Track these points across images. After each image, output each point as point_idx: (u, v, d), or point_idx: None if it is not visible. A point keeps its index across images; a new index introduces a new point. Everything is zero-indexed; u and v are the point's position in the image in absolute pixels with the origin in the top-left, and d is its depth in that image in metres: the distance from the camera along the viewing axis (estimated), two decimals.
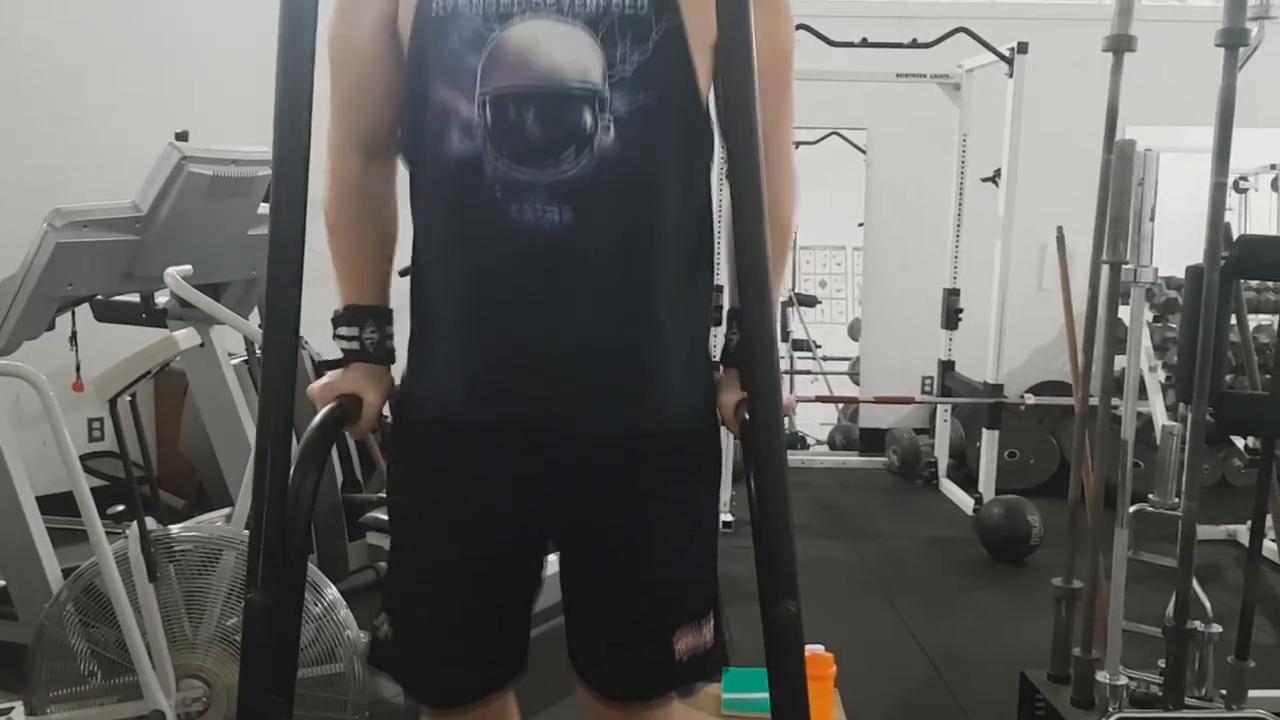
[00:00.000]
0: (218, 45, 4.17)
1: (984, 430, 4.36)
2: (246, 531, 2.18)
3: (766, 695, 1.11)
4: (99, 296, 2.69)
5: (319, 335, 1.51)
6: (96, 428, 4.08)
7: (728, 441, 1.41)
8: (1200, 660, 2.22)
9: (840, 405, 5.39)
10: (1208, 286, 2.12)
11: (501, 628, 1.41)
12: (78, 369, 2.66)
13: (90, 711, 2.12)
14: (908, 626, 3.18)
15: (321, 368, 1.46)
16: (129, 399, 2.16)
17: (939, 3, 5.01)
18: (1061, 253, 3.67)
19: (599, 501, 1.34)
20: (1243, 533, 3.70)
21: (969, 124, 4.60)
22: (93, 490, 2.12)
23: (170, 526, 2.18)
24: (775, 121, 1.29)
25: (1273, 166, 4.71)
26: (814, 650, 2.13)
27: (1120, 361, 2.37)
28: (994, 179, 4.39)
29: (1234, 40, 2.07)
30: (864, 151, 5.22)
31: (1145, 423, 3.83)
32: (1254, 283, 3.78)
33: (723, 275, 1.42)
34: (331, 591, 2.18)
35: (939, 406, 4.88)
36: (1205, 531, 3.07)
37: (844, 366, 5.42)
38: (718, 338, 1.42)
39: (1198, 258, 2.16)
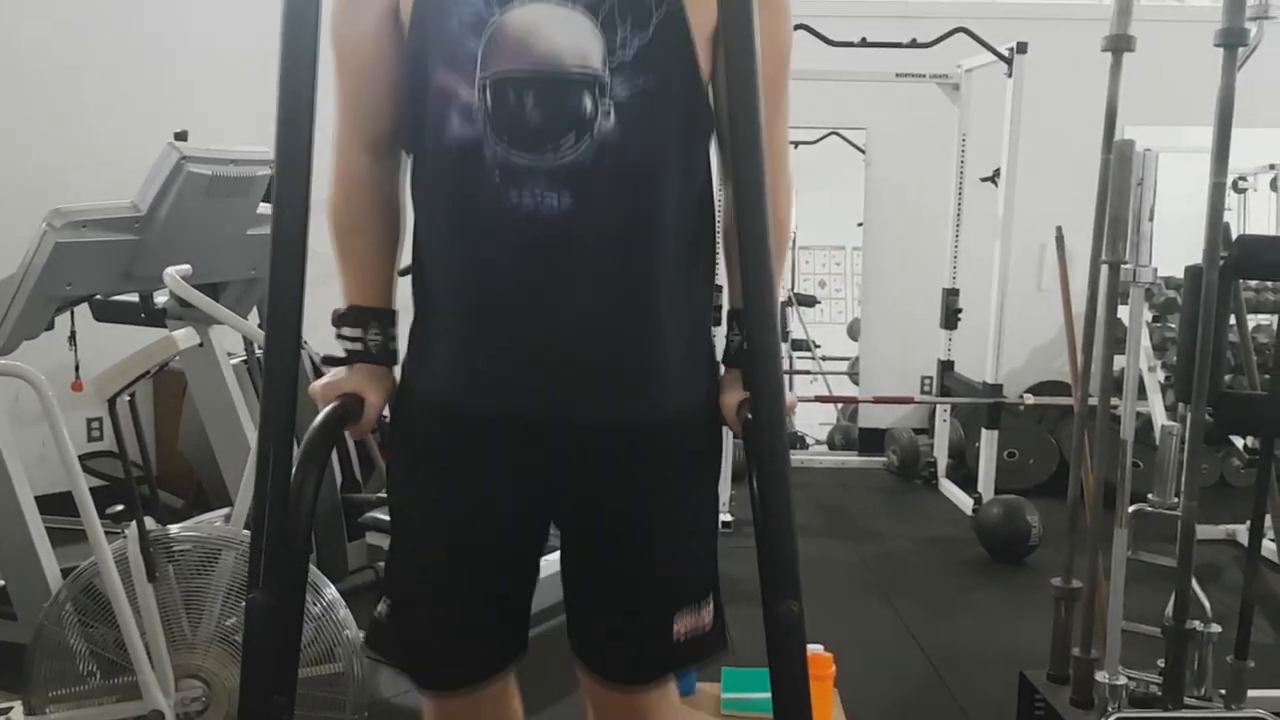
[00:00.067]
0: (218, 45, 4.17)
1: (983, 430, 4.37)
2: (245, 531, 2.18)
3: (766, 695, 1.11)
4: (98, 296, 2.69)
5: (320, 336, 1.51)
6: (95, 427, 4.08)
7: (729, 440, 1.42)
8: (1199, 660, 2.22)
9: (839, 405, 5.39)
10: (1207, 286, 2.12)
11: (502, 620, 1.42)
12: (77, 369, 2.66)
13: (89, 711, 2.12)
14: (907, 626, 3.18)
15: (324, 364, 1.45)
16: (128, 399, 2.16)
17: (938, 3, 5.02)
18: (1061, 253, 3.67)
19: (599, 488, 1.34)
20: (1242, 532, 3.71)
21: (968, 124, 4.60)
22: (92, 490, 2.11)
23: (169, 526, 2.18)
24: (771, 119, 1.29)
25: (1271, 166, 4.71)
26: (813, 650, 2.13)
27: (1119, 361, 2.37)
28: (993, 179, 4.39)
29: (1233, 40, 2.07)
30: (863, 151, 5.22)
31: (1144, 423, 3.83)
32: (1253, 283, 3.78)
33: (721, 275, 1.42)
34: (331, 591, 2.18)
35: (938, 406, 4.88)
36: (1204, 531, 3.08)
37: (843, 366, 5.42)
38: (718, 338, 1.42)
39: (1197, 258, 2.16)
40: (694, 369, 1.36)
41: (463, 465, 1.34)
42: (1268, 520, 2.47)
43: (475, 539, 1.36)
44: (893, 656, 2.98)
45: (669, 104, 1.24)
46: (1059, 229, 3.72)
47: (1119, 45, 2.29)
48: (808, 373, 5.34)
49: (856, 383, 5.37)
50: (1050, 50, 4.33)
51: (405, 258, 1.40)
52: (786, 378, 5.10)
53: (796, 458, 5.07)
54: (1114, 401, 2.35)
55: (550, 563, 1.46)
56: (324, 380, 1.38)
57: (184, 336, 2.15)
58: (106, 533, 2.07)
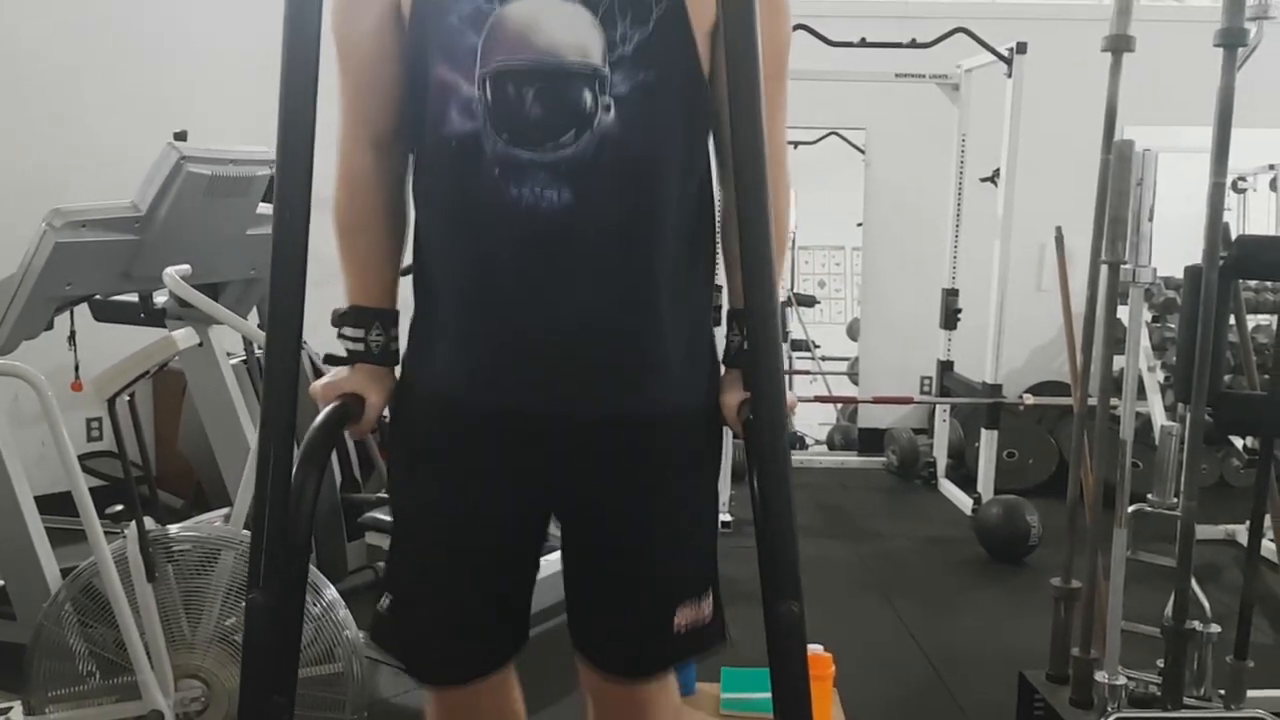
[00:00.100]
0: (218, 45, 4.17)
1: (983, 430, 4.37)
2: (245, 531, 2.18)
3: (765, 695, 1.12)
4: (98, 296, 2.69)
5: (320, 336, 1.51)
6: (95, 427, 4.08)
7: (728, 440, 1.42)
8: (1199, 660, 2.22)
9: (839, 405, 5.39)
10: (1206, 286, 2.13)
11: (502, 620, 1.42)
12: (76, 369, 2.65)
13: (88, 711, 2.11)
14: (906, 626, 3.18)
15: (326, 363, 1.45)
16: (127, 399, 2.15)
17: (938, 3, 5.02)
18: (1060, 253, 3.67)
19: (599, 487, 1.35)
20: (1241, 533, 3.71)
21: (968, 124, 4.60)
22: (91, 490, 2.11)
23: (169, 526, 2.18)
24: (770, 118, 1.29)
25: (1271, 167, 4.71)
26: (813, 650, 2.13)
27: (1119, 361, 2.37)
28: (993, 179, 4.39)
29: (1232, 40, 2.08)
30: (863, 151, 5.22)
31: (1144, 423, 3.83)
32: (1252, 283, 3.78)
33: (721, 275, 1.42)
34: (330, 592, 2.18)
35: (938, 406, 4.88)
36: (1204, 531, 3.07)
37: (843, 366, 5.42)
38: (718, 338, 1.42)
39: (1196, 258, 2.16)
40: (694, 364, 1.36)
41: (463, 465, 1.34)
42: (1267, 520, 2.47)
43: (475, 539, 1.36)
44: (892, 656, 2.98)
45: (669, 99, 1.24)
46: (1058, 229, 3.72)
47: (1119, 45, 2.29)
48: (807, 373, 5.34)
49: (856, 383, 5.37)
50: (1050, 50, 4.33)
51: (407, 257, 1.40)
52: (786, 378, 5.10)
53: (796, 458, 5.05)
54: (1113, 401, 2.35)
55: (550, 563, 1.47)
56: (324, 380, 1.38)
57: (183, 336, 2.15)
58: (106, 533, 2.07)
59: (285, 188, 1.10)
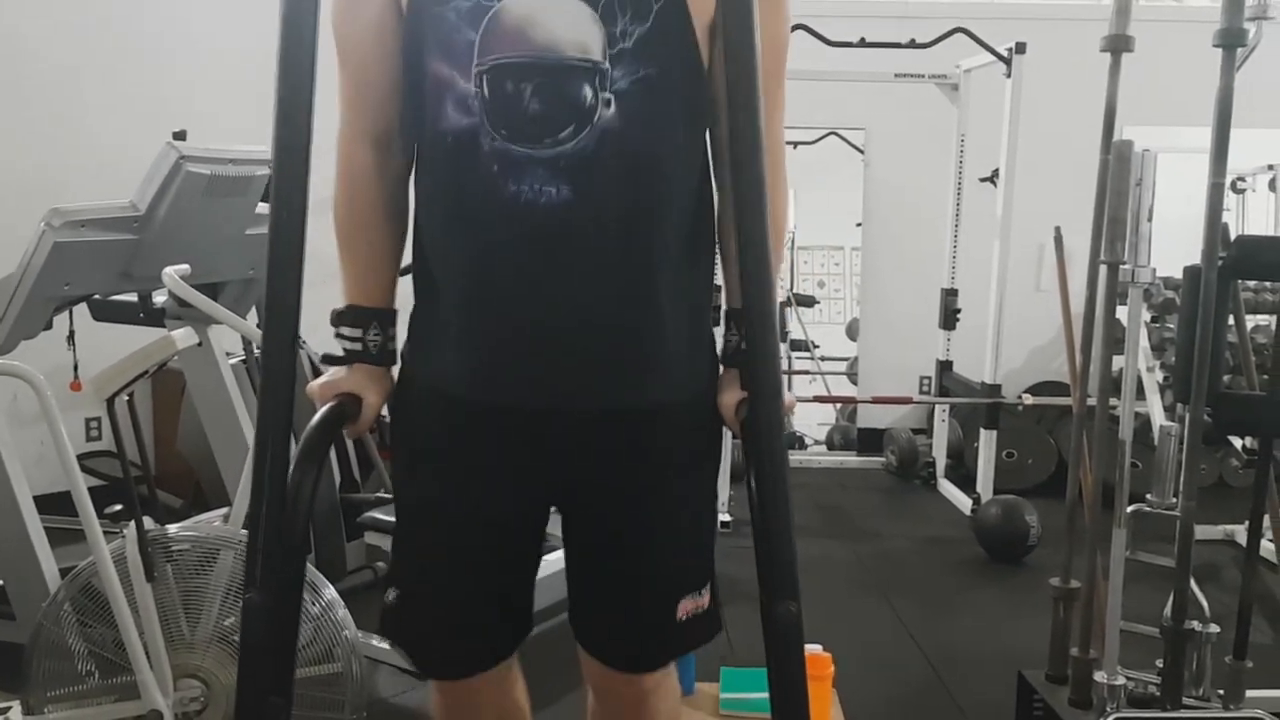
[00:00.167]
0: (218, 45, 4.17)
1: (982, 430, 4.37)
2: (244, 531, 2.18)
3: (764, 695, 1.12)
4: (97, 296, 2.69)
5: (319, 336, 1.51)
6: (94, 427, 4.07)
7: (728, 440, 1.42)
8: (1198, 660, 2.22)
9: (838, 405, 5.39)
10: (1205, 287, 2.12)
11: (503, 619, 1.43)
12: (75, 368, 2.65)
13: (88, 711, 2.11)
14: (905, 626, 3.18)
15: (323, 363, 1.45)
16: (126, 398, 2.15)
17: (937, 3, 5.02)
18: (1059, 253, 3.67)
19: (600, 484, 1.35)
20: (1240, 533, 3.70)
21: (967, 124, 4.60)
22: (90, 490, 2.11)
23: (168, 526, 2.18)
24: (768, 116, 1.30)
25: (1270, 167, 4.71)
26: (812, 650, 2.13)
27: (1118, 362, 2.37)
28: (992, 179, 4.39)
29: (1232, 41, 2.07)
30: (862, 152, 5.22)
31: (1143, 423, 3.84)
32: (1251, 283, 3.78)
33: (719, 275, 1.42)
34: (329, 591, 2.18)
35: (937, 406, 4.88)
36: (1203, 531, 3.08)
37: (842, 366, 5.42)
38: (717, 339, 1.42)
39: (1195, 258, 2.16)
40: (695, 360, 1.36)
41: (463, 462, 1.34)
42: (1266, 520, 2.47)
43: (476, 537, 1.36)
44: (891, 656, 2.98)
45: (670, 93, 1.23)
46: (1058, 229, 3.73)
47: (1118, 45, 2.29)
48: (807, 373, 5.34)
49: (855, 383, 5.37)
50: (1049, 50, 4.33)
51: (406, 256, 1.40)
52: (785, 378, 5.10)
53: (795, 458, 5.08)
54: (1112, 402, 2.35)
55: (550, 562, 1.47)
56: (322, 380, 1.38)
57: (182, 336, 2.14)
58: (105, 532, 2.07)
59: (282, 187, 1.10)
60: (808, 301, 5.42)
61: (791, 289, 5.34)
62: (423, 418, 1.37)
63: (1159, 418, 3.78)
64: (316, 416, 1.26)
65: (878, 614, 3.29)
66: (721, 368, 1.40)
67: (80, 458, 2.44)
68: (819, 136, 5.11)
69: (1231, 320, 2.69)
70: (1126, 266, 2.19)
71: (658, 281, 1.28)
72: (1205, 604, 2.23)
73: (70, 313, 2.56)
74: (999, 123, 4.23)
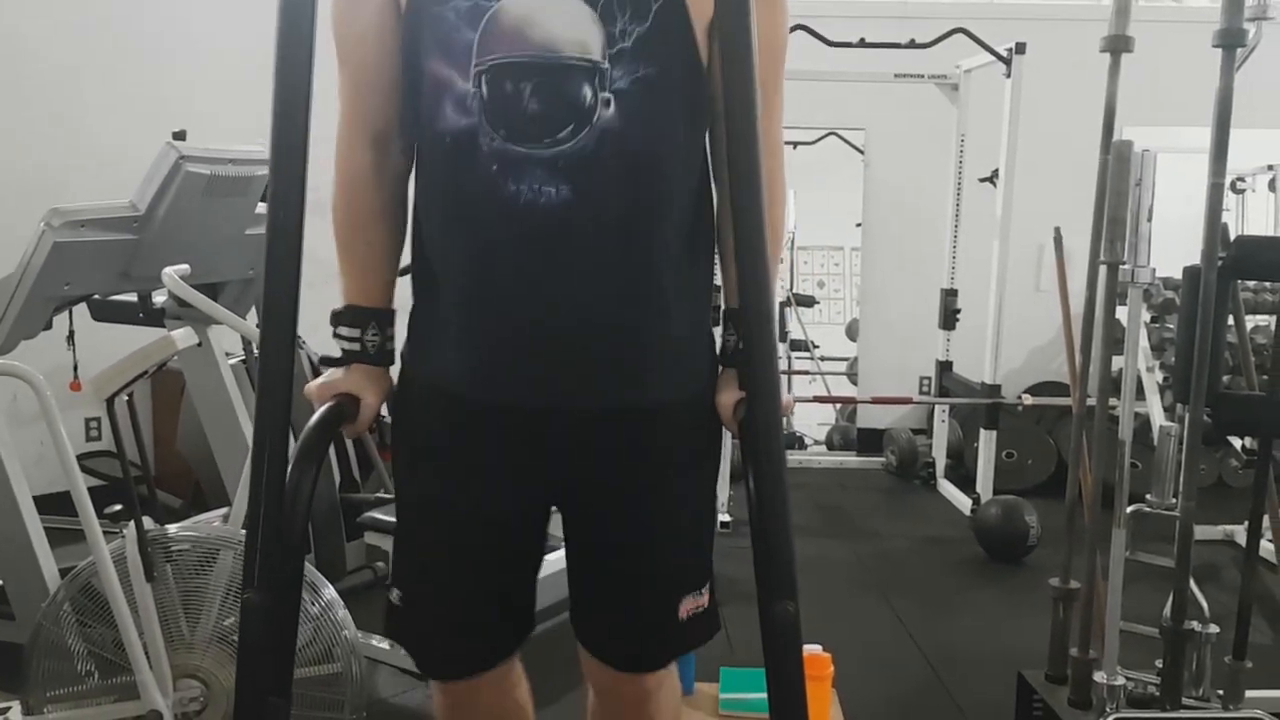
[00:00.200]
0: (218, 45, 4.17)
1: (981, 430, 4.37)
2: (244, 531, 2.18)
3: (764, 695, 1.12)
4: (96, 296, 2.69)
5: (319, 336, 1.51)
6: (94, 427, 4.07)
7: (727, 440, 1.42)
8: (1197, 660, 2.22)
9: (838, 405, 5.39)
10: (1205, 287, 2.12)
11: (504, 617, 1.43)
12: (75, 368, 2.65)
13: (87, 711, 2.11)
14: (905, 626, 3.18)
15: (322, 364, 1.45)
16: (126, 398, 2.15)
17: (937, 3, 5.02)
18: (1059, 253, 3.67)
19: (600, 483, 1.35)
20: (1240, 533, 3.70)
21: (967, 124, 4.60)
22: (90, 490, 2.11)
23: (167, 526, 2.18)
24: (766, 116, 1.30)
25: (1270, 167, 4.71)
26: (811, 650, 2.13)
27: (1118, 362, 2.37)
28: (992, 179, 4.39)
29: (1231, 41, 2.08)
30: (862, 152, 5.22)
31: (1143, 423, 3.84)
32: (1251, 283, 3.78)
33: (718, 275, 1.42)
34: (329, 591, 2.18)
35: (937, 407, 4.88)
36: (1202, 532, 3.08)
37: (842, 367, 5.42)
38: (715, 339, 1.42)
39: (1195, 258, 2.16)
40: (695, 359, 1.36)
41: (464, 462, 1.34)
42: (1265, 521, 2.47)
43: (476, 537, 1.37)
44: (891, 656, 2.98)
45: (670, 93, 1.23)
46: (1057, 230, 3.72)
47: (1117, 46, 2.29)
48: (806, 373, 5.34)
49: (855, 383, 5.36)
50: (1049, 51, 4.33)
51: (405, 256, 1.40)
52: (785, 378, 5.11)
53: (795, 458, 5.08)
54: (1112, 402, 2.35)
55: (551, 562, 1.47)
56: (320, 380, 1.38)
57: (182, 336, 2.14)
58: (105, 532, 2.07)
59: (279, 187, 1.10)
60: (807, 302, 5.42)
61: (791, 289, 5.34)
62: (423, 416, 1.37)
63: (1159, 418, 3.78)
64: (314, 417, 1.26)
65: (877, 614, 3.29)
66: (720, 367, 1.40)
67: (80, 458, 2.44)
68: (819, 137, 5.11)
69: (1231, 320, 2.69)
70: (1126, 267, 2.19)
71: (657, 281, 1.28)
72: (1205, 604, 2.23)
73: (70, 313, 2.56)
74: (999, 123, 4.23)
